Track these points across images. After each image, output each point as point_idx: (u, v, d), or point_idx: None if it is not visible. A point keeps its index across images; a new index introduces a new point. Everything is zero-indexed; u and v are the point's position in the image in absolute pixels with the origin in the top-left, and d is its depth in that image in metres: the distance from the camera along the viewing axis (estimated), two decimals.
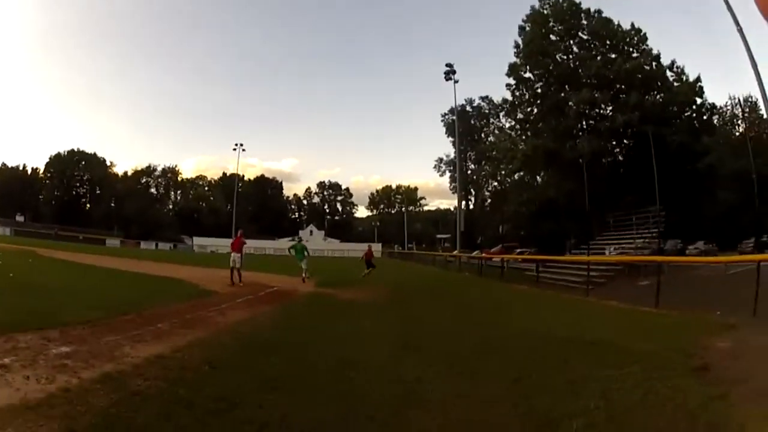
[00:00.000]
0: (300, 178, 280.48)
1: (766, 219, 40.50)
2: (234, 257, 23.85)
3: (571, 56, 51.70)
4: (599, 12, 51.17)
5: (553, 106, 50.19)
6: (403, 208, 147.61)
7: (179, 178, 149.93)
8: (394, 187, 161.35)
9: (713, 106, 51.99)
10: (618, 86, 47.39)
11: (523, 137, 55.61)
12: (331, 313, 16.43)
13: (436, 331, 13.46)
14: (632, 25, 50.81)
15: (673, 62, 49.72)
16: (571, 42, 51.72)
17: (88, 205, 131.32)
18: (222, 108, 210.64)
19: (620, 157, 48.89)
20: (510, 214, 75.58)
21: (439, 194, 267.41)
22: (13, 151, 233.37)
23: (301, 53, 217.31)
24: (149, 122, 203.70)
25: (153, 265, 35.11)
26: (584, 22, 51.19)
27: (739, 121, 75.43)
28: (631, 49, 50.06)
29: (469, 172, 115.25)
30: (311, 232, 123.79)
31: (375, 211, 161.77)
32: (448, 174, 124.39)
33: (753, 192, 40.62)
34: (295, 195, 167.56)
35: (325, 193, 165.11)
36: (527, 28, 53.70)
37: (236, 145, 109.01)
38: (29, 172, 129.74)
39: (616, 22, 50.71)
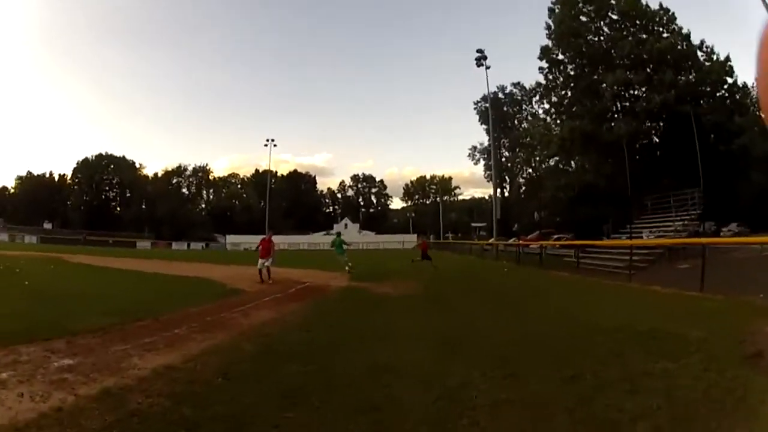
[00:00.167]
0: (334, 172, 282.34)
1: None
2: (260, 263, 23.02)
3: (602, 37, 50.93)
4: None
5: (587, 88, 49.53)
6: (438, 198, 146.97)
7: (211, 177, 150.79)
8: (428, 177, 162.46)
9: (745, 84, 50.77)
10: (651, 66, 46.37)
11: (558, 121, 54.70)
12: (364, 309, 15.32)
13: (476, 326, 12.39)
14: (660, 5, 49.93)
15: (702, 42, 49.25)
16: (602, 23, 50.97)
17: (118, 209, 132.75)
18: (253, 105, 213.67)
19: (656, 139, 47.83)
20: (547, 200, 74.72)
21: (473, 183, 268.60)
22: (39, 159, 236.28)
23: (332, 46, 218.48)
24: (179, 123, 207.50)
25: (181, 265, 34.98)
26: (613, 1, 50.13)
27: None
28: (661, 29, 49.22)
29: (503, 159, 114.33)
30: (346, 225, 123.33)
31: (410, 202, 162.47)
32: (482, 162, 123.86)
33: None
34: (329, 189, 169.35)
35: (359, 186, 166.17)
36: (557, 10, 52.95)
37: (267, 140, 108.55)
38: (56, 179, 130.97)
39: (644, 2, 49.65)
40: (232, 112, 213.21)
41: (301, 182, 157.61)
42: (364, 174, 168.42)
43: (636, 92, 47.74)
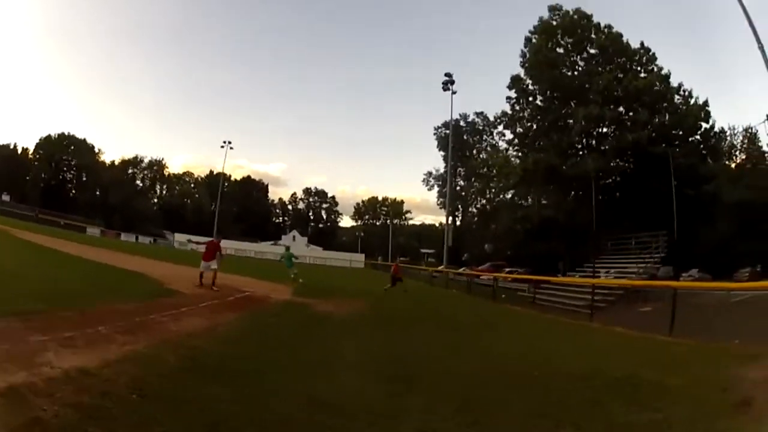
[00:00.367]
0: (287, 183, 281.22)
1: (761, 250, 39.94)
2: (204, 265, 21.26)
3: (577, 71, 51.07)
4: (609, 27, 50.55)
5: (556, 121, 49.75)
6: (389, 221, 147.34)
7: (166, 173, 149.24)
8: (380, 198, 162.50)
9: (722, 131, 51.70)
10: (626, 104, 46.75)
11: (522, 152, 54.88)
12: (303, 328, 14.14)
13: (430, 358, 11.33)
14: (642, 44, 50.48)
15: (680, 85, 49.54)
16: (578, 57, 51.25)
17: (73, 191, 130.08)
18: (214, 106, 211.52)
19: (618, 179, 47.96)
20: (502, 231, 74.74)
21: (424, 209, 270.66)
22: (4, 129, 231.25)
23: (296, 58, 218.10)
24: (142, 113, 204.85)
25: (124, 257, 33.66)
26: (593, 36, 50.49)
27: (737, 152, 75.04)
28: (639, 68, 49.45)
29: (458, 188, 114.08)
30: (294, 237, 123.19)
31: (360, 222, 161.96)
32: (436, 189, 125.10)
33: (748, 221, 39.77)
34: (280, 199, 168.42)
35: (311, 199, 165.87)
36: (534, 39, 53.04)
37: (224, 142, 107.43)
38: (19, 151, 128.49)
39: (625, 40, 50.18)
40: (195, 110, 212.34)
41: (253, 189, 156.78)
42: (316, 188, 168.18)
43: (606, 129, 48.02)
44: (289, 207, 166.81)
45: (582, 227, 41.76)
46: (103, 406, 5.59)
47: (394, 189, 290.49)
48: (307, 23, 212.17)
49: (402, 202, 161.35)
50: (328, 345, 11.74)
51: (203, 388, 6.89)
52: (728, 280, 36.92)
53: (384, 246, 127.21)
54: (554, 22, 52.25)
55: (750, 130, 70.50)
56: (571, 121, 48.17)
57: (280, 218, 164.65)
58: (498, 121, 60.71)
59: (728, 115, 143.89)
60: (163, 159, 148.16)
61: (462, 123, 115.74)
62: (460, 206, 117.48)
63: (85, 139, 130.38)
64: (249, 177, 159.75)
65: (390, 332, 15.14)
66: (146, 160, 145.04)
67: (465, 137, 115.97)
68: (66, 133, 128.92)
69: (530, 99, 53.94)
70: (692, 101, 48.89)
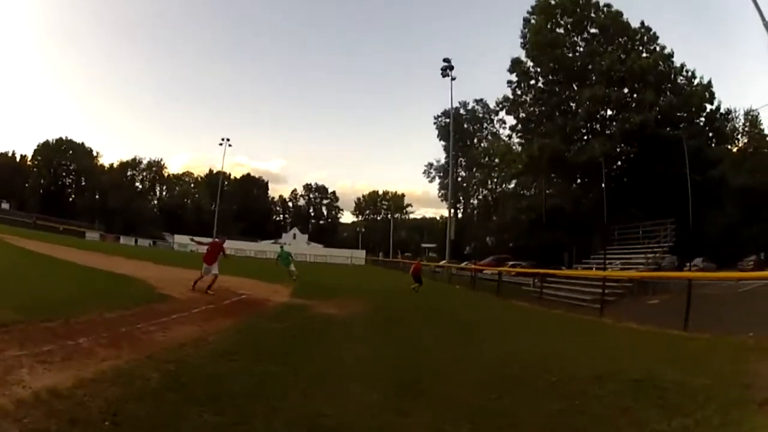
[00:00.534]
0: (287, 180, 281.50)
1: (764, 236, 39.35)
2: (206, 269, 20.28)
3: (578, 52, 50.39)
4: (609, 5, 50.10)
5: (559, 105, 49.10)
6: (390, 215, 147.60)
7: (165, 173, 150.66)
8: (380, 193, 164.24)
9: (728, 111, 51.07)
10: (631, 85, 46.13)
11: (526, 138, 54.42)
12: (303, 334, 12.92)
13: (439, 361, 10.60)
14: (642, 23, 49.97)
15: (682, 65, 48.86)
16: (579, 38, 50.74)
17: (72, 196, 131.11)
18: (213, 105, 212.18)
19: (624, 165, 47.30)
20: (505, 223, 73.93)
21: (425, 202, 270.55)
22: (2, 137, 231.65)
23: (294, 53, 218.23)
24: (140, 114, 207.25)
25: (120, 261, 33.21)
26: (593, 15, 49.97)
27: (739, 135, 74.29)
28: (641, 48, 48.83)
29: (459, 179, 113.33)
30: (294, 235, 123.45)
31: (360, 217, 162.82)
32: (437, 180, 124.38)
33: (751, 207, 38.99)
34: (280, 196, 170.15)
35: (311, 195, 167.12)
36: (533, 20, 52.44)
37: (222, 139, 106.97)
38: (18, 158, 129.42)
39: (625, 18, 49.77)
40: (193, 110, 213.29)
41: (253, 187, 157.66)
42: (317, 184, 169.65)
43: (611, 112, 47.45)
44: (290, 204, 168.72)
45: (588, 216, 40.99)
46: None
47: (394, 183, 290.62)
48: (302, 20, 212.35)
49: (403, 195, 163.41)
50: (331, 353, 10.81)
51: (188, 412, 6.06)
52: (733, 269, 36.32)
53: (385, 241, 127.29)
54: (552, 1, 51.78)
55: (751, 113, 69.87)
56: (574, 104, 47.58)
57: (281, 216, 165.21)
58: (500, 106, 59.98)
59: (728, 97, 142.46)
60: (162, 159, 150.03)
61: (462, 111, 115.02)
62: (461, 198, 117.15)
63: (83, 143, 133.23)
64: (249, 175, 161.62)
65: (395, 335, 14.29)
66: (145, 162, 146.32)
67: (465, 126, 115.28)
68: (64, 138, 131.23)
69: (532, 82, 53.68)
70: (696, 81, 48.40)
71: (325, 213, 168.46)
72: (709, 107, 48.74)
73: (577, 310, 23.30)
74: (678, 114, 46.09)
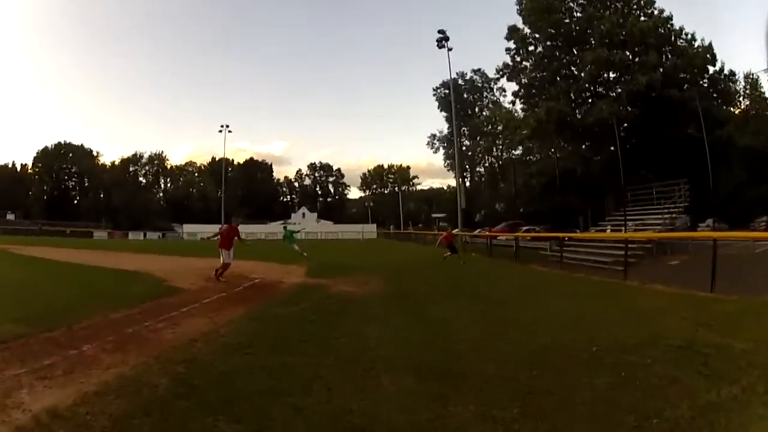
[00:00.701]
0: (291, 161, 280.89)
1: None
2: (226, 254, 19.72)
3: (575, 17, 49.40)
4: None
5: (561, 69, 48.18)
6: (397, 188, 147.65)
7: (168, 165, 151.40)
8: (386, 166, 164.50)
9: (732, 72, 50.51)
10: (632, 48, 45.39)
11: (529, 103, 53.59)
12: (321, 317, 12.14)
13: (471, 341, 9.59)
14: None
15: (681, 28, 48.28)
16: (575, 3, 49.58)
17: (77, 199, 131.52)
18: (210, 93, 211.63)
19: (631, 127, 46.65)
20: (517, 188, 73.46)
21: (431, 173, 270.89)
22: (1, 149, 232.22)
23: (289, 33, 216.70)
24: (136, 109, 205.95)
25: (127, 256, 33.23)
26: None
27: (740, 98, 73.89)
28: (638, 12, 48.00)
29: (464, 148, 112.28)
30: (303, 214, 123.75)
31: (368, 192, 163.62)
32: (441, 151, 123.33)
33: (756, 168, 38.43)
34: (286, 177, 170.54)
35: (317, 174, 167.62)
36: None
37: (222, 126, 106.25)
38: (18, 169, 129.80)
39: None
40: (191, 98, 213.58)
41: (257, 171, 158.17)
42: (321, 163, 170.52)
43: (615, 75, 46.88)
44: (296, 184, 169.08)
45: (598, 178, 40.35)
46: None
47: (399, 156, 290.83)
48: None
49: (408, 167, 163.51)
50: (353, 337, 9.89)
51: (200, 422, 5.38)
52: (745, 230, 35.86)
53: (395, 213, 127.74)
54: None
55: (751, 76, 69.80)
56: (575, 69, 46.92)
57: (288, 197, 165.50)
58: (500, 73, 58.79)
59: (728, 60, 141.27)
60: (163, 152, 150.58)
61: (461, 81, 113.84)
62: (468, 166, 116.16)
63: (82, 145, 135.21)
64: (252, 159, 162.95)
65: (418, 312, 13.34)
66: (146, 156, 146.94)
67: (465, 96, 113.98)
68: (62, 142, 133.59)
69: (531, 48, 52.63)
70: (697, 44, 48.03)
71: (332, 190, 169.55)
72: (711, 69, 48.43)
73: (599, 273, 22.82)
74: (681, 76, 45.53)
